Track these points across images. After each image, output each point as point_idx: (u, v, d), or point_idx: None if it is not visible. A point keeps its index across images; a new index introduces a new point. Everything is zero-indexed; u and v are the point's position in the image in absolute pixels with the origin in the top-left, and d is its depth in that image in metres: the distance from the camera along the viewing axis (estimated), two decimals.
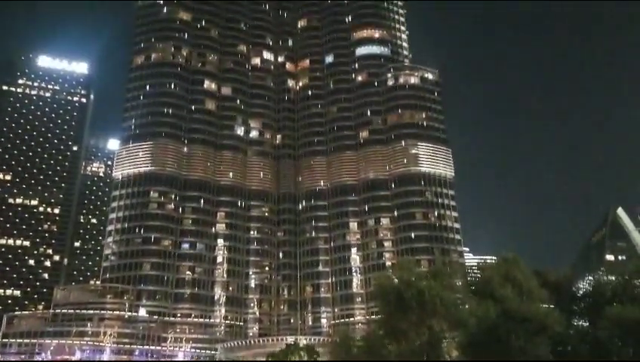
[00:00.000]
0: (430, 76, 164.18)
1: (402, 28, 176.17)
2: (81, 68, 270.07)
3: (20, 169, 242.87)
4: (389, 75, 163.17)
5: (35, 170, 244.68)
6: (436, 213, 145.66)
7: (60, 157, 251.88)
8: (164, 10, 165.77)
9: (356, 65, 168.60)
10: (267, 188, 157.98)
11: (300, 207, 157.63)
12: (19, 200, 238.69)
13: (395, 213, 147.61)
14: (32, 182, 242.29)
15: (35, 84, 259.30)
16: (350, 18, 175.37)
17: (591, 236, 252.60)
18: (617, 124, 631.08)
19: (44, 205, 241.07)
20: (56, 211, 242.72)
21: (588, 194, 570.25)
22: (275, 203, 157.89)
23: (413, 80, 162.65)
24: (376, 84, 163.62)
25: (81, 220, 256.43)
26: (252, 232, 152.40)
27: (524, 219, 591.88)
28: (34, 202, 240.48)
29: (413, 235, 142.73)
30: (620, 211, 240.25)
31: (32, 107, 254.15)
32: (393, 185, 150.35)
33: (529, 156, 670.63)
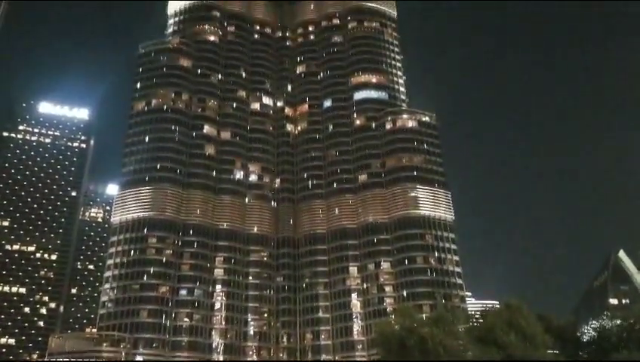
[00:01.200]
0: (427, 119, 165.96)
1: (399, 73, 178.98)
2: (81, 114, 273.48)
3: (18, 215, 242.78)
4: (387, 118, 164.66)
5: (33, 216, 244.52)
6: (437, 257, 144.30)
7: (59, 203, 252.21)
8: (165, 58, 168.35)
9: (354, 109, 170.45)
10: (266, 233, 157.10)
11: (300, 251, 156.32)
12: (16, 247, 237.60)
13: (396, 257, 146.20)
14: (30, 228, 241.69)
15: (36, 130, 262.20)
16: (348, 64, 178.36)
17: (593, 279, 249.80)
18: (619, 160, 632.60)
19: (41, 251, 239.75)
20: (54, 257, 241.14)
21: (589, 236, 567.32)
22: (274, 247, 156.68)
23: (410, 123, 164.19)
24: (374, 127, 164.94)
25: (79, 266, 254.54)
26: (251, 278, 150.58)
27: (526, 263, 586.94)
28: (31, 248, 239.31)
29: (414, 280, 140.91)
30: (622, 253, 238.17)
31: (32, 153, 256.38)
32: (393, 229, 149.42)
33: (529, 198, 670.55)
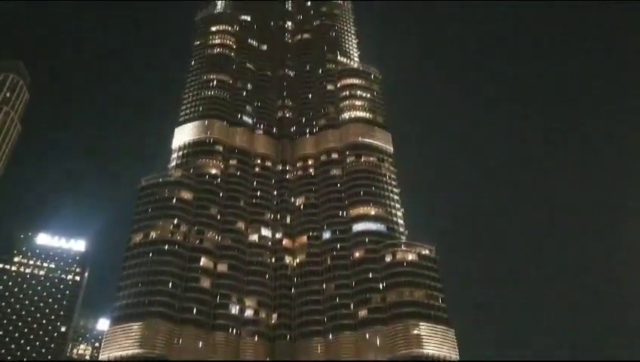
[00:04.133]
0: (427, 253, 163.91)
1: (397, 206, 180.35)
2: (78, 246, 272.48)
3: (3, 351, 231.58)
4: (387, 251, 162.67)
5: (19, 353, 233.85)
6: None
7: (47, 339, 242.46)
8: (166, 191, 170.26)
9: (353, 241, 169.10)
10: None
11: None
12: None
13: None
14: None
15: (31, 262, 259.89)
16: (346, 196, 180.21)
17: None
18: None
19: None
20: None
21: None
22: None
23: (410, 257, 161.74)
24: (373, 260, 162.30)
25: None
26: None
27: None
28: None
29: None
30: None
31: (25, 286, 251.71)
32: None
33: (533, 338, 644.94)
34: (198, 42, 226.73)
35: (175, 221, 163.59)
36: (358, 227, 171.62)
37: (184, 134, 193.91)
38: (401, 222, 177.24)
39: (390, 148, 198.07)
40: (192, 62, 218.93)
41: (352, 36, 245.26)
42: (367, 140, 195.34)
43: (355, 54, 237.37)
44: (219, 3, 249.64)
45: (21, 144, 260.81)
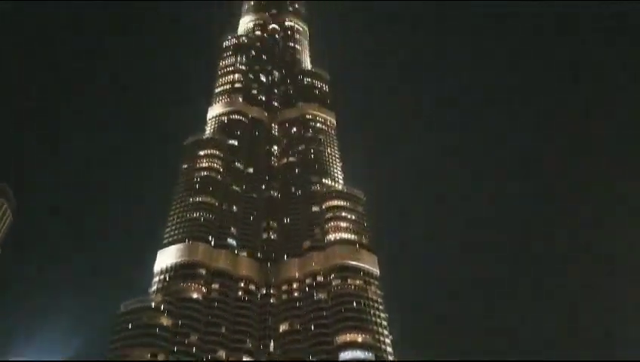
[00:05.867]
0: None
1: (385, 332, 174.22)
2: None
3: None
4: None
5: None
6: None
7: None
8: (145, 317, 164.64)
9: None
10: None
11: None
12: None
13: None
14: None
15: None
16: (332, 322, 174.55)
17: None
18: None
19: None
20: None
21: None
22: None
23: None
24: None
25: None
26: None
27: None
28: None
29: None
30: None
31: None
32: None
33: None
34: (185, 165, 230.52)
35: (152, 349, 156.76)
36: (346, 356, 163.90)
37: (167, 257, 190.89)
38: (389, 349, 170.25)
39: (376, 271, 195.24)
40: (179, 185, 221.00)
41: (337, 159, 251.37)
42: (353, 262, 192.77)
43: (340, 177, 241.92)
44: (207, 128, 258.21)
45: None
